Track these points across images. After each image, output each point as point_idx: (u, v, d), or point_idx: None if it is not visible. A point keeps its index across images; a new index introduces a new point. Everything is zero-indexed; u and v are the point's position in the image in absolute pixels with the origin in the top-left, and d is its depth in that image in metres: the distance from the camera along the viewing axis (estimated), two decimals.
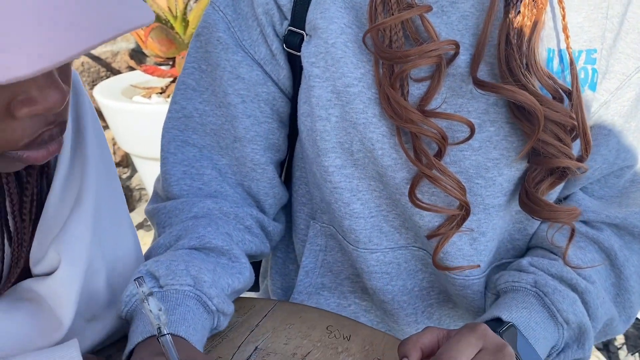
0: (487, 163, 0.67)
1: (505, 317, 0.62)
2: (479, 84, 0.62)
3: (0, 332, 0.56)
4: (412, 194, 0.66)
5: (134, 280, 0.48)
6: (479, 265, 0.71)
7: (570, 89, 0.62)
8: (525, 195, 0.67)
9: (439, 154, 0.64)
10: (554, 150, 0.62)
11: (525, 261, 0.70)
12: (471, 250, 0.70)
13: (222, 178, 0.73)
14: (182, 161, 0.73)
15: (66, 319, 0.58)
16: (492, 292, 0.72)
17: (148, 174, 2.24)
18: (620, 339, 1.87)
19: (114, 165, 0.70)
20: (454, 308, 0.80)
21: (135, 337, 0.55)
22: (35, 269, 0.61)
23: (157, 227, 0.74)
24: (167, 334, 0.49)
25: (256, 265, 0.92)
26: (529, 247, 0.76)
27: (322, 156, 0.69)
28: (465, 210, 0.66)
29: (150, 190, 2.31)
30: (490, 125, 0.65)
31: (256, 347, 0.65)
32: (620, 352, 1.84)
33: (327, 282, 0.81)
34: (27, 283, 0.61)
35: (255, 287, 0.91)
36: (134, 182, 2.58)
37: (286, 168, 0.82)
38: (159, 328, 0.49)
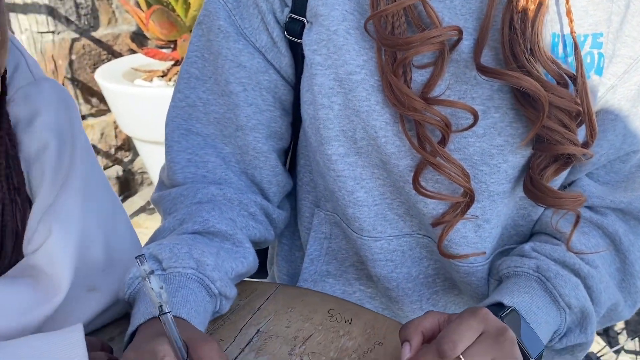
0: (491, 150, 0.66)
1: (506, 301, 0.62)
2: (482, 70, 0.61)
3: (2, 302, 0.58)
4: (416, 182, 0.66)
5: (135, 258, 0.49)
6: (484, 252, 0.71)
7: (575, 74, 0.62)
8: (530, 182, 0.66)
9: (443, 141, 0.64)
10: (559, 136, 0.62)
11: (527, 246, 0.70)
12: (475, 238, 0.71)
13: (226, 166, 0.73)
14: (187, 149, 0.73)
15: (64, 281, 0.60)
16: (495, 278, 0.72)
17: (150, 158, 2.24)
18: (620, 324, 1.88)
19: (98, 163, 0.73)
20: (459, 295, 0.80)
21: (137, 318, 0.56)
22: (26, 249, 0.62)
23: (163, 214, 0.75)
24: (169, 312, 0.49)
25: (263, 251, 0.93)
26: (532, 233, 0.76)
27: (325, 144, 0.69)
28: (469, 198, 0.66)
29: (151, 173, 2.32)
30: (494, 112, 0.65)
31: (258, 330, 0.66)
32: (620, 337, 1.85)
33: (332, 270, 0.82)
34: (23, 261, 0.62)
35: (263, 274, 0.92)
36: (135, 166, 2.59)
37: (290, 156, 0.82)
38: (161, 306, 0.49)
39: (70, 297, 0.61)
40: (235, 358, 0.62)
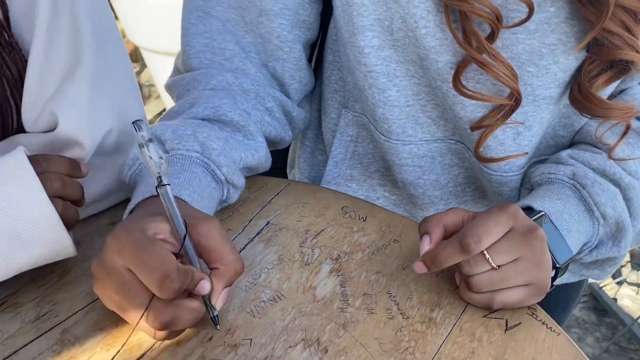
0: (542, 49, 0.61)
1: (536, 205, 0.59)
2: None
3: None
4: (456, 80, 0.61)
5: (133, 123, 0.45)
6: (526, 153, 0.67)
7: None
8: (578, 89, 0.62)
9: (491, 37, 0.58)
10: (619, 40, 0.56)
11: (564, 153, 0.66)
12: (514, 145, 0.66)
13: (245, 55, 0.68)
14: (204, 33, 0.68)
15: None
16: (526, 187, 0.68)
17: (158, 69, 2.18)
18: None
19: (114, 20, 0.66)
20: (489, 205, 0.77)
21: (136, 197, 0.53)
22: (30, 128, 0.58)
23: (175, 100, 0.70)
24: (168, 184, 0.46)
25: (284, 155, 0.89)
26: (571, 144, 0.72)
27: (357, 35, 0.63)
28: (515, 100, 0.61)
29: (160, 86, 2.26)
30: (550, 5, 0.59)
31: (268, 222, 0.63)
32: (623, 269, 1.85)
33: (356, 174, 0.78)
34: (26, 137, 0.58)
35: (282, 176, 0.88)
36: (143, 78, 2.52)
37: (317, 51, 0.77)
38: (159, 177, 0.46)
39: None
40: (244, 247, 0.59)
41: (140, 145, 0.45)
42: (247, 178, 0.66)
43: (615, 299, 1.75)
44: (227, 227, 0.62)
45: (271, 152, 0.69)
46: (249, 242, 0.60)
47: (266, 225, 0.63)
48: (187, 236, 0.46)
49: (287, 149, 0.91)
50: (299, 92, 0.72)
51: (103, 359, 0.47)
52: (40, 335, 0.48)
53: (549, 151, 0.72)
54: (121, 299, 0.45)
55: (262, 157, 0.65)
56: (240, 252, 0.59)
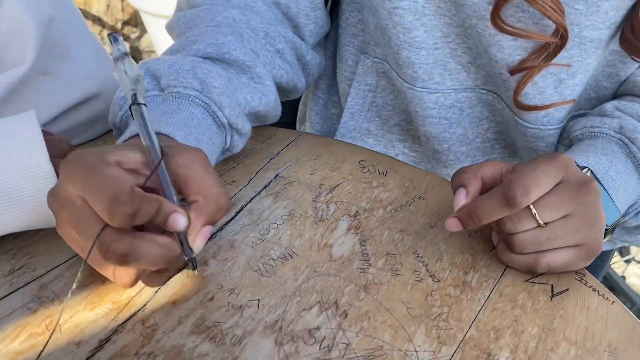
0: None
1: (580, 161, 0.52)
2: None
3: None
4: (495, 16, 0.54)
5: (108, 35, 0.38)
6: (573, 100, 0.60)
7: None
8: (630, 31, 0.54)
9: None
10: None
11: (609, 105, 0.58)
12: (555, 95, 0.59)
13: None
14: None
15: (29, 53, 0.54)
16: (564, 143, 0.61)
17: (159, 35, 2.10)
18: None
19: None
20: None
21: (123, 137, 0.46)
22: None
23: (176, 40, 0.63)
24: (143, 104, 0.39)
25: (293, 110, 0.81)
26: (615, 96, 0.64)
27: None
28: (561, 38, 0.54)
29: (160, 52, 2.18)
30: None
31: (277, 175, 0.56)
32: (631, 247, 1.79)
33: (374, 128, 0.71)
34: None
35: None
36: (143, 44, 2.44)
37: None
38: (135, 95, 0.39)
39: (26, 81, 0.54)
40: (250, 201, 0.53)
41: (115, 59, 0.38)
42: (253, 129, 0.59)
43: (623, 277, 1.70)
44: (230, 179, 0.56)
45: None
46: (256, 195, 0.53)
47: (275, 177, 0.56)
48: (162, 163, 0.38)
49: (297, 102, 0.84)
50: (314, 34, 0.65)
51: (87, 318, 0.40)
52: (14, 291, 0.42)
53: (589, 104, 0.65)
54: (76, 232, 0.37)
55: (270, 103, 0.58)
56: (246, 205, 0.52)
